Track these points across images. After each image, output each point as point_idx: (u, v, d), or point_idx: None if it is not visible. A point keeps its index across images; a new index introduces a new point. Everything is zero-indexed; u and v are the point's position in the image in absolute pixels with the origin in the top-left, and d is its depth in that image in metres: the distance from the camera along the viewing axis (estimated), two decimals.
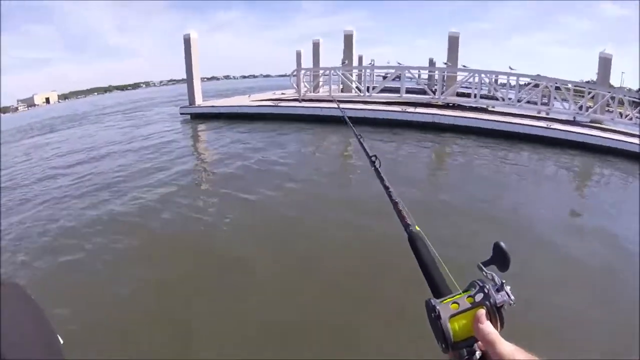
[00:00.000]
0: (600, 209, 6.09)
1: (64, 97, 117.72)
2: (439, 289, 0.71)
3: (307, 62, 21.14)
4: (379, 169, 1.13)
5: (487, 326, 0.60)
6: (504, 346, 0.58)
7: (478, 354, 0.62)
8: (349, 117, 2.07)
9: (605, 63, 13.89)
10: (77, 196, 6.30)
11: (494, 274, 0.64)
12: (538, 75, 14.23)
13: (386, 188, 1.03)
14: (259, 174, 7.18)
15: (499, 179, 7.59)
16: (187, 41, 15.40)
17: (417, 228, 0.87)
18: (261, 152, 8.80)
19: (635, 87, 38.63)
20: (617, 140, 10.00)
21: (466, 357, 0.63)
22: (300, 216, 5.21)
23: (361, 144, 1.41)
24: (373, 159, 1.18)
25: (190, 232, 4.81)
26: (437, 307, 0.63)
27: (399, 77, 14.72)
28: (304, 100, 14.80)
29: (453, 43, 15.72)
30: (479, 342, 0.62)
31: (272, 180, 6.71)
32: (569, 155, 9.43)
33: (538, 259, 3.99)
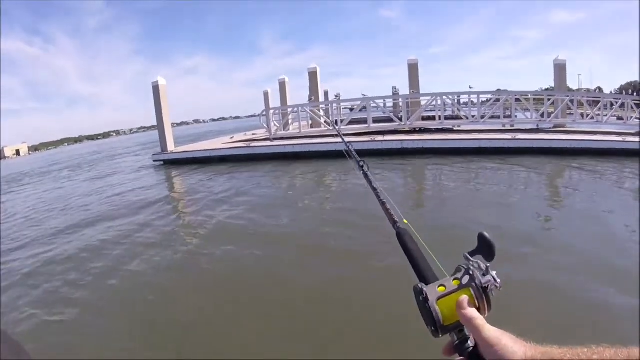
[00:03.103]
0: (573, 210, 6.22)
1: (34, 148, 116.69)
2: (426, 279, 0.70)
3: (275, 100, 21.48)
4: (367, 172, 1.17)
5: (470, 311, 0.60)
6: (490, 331, 0.57)
7: (471, 342, 0.61)
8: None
9: (560, 69, 14.54)
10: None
11: (479, 261, 0.65)
12: (498, 90, 14.80)
13: (374, 189, 1.06)
14: (240, 219, 7.08)
15: (474, 193, 7.69)
16: (155, 88, 15.49)
17: (405, 222, 0.89)
18: (241, 196, 8.74)
19: (592, 87, 40.33)
20: (579, 140, 10.33)
21: (457, 342, 0.63)
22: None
23: (350, 151, 1.47)
24: (361, 163, 1.22)
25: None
26: (425, 290, 0.64)
27: (365, 108, 15.02)
28: (275, 139, 14.92)
29: (413, 70, 16.24)
30: None
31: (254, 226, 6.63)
32: (536, 161, 9.65)
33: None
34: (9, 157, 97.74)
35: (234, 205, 7.83)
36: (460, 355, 0.62)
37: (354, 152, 1.39)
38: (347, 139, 1.66)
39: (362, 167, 1.21)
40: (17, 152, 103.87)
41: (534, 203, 6.69)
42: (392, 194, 7.68)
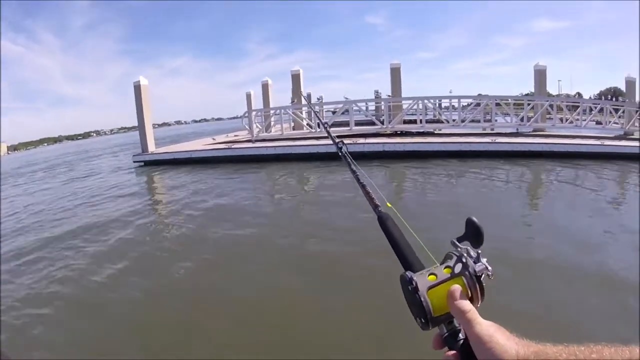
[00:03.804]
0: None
1: (13, 148, 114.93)
2: (412, 266, 0.66)
3: (257, 103, 21.40)
4: (345, 154, 1.09)
5: (463, 303, 0.56)
6: (482, 326, 0.53)
7: (462, 334, 0.58)
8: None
9: (540, 74, 14.84)
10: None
11: (468, 248, 0.61)
12: (479, 94, 14.96)
13: (353, 172, 1.01)
14: (218, 220, 6.95)
15: (455, 194, 7.73)
16: (137, 88, 15.28)
17: (389, 205, 0.84)
18: (221, 197, 8.62)
19: (572, 93, 41.26)
20: (557, 143, 10.49)
21: (446, 334, 0.60)
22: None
23: (328, 133, 1.35)
24: (340, 144, 1.14)
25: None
26: (414, 279, 0.60)
27: (347, 111, 15.02)
28: (257, 140, 14.80)
29: (395, 74, 16.31)
30: None
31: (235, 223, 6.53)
32: (516, 164, 9.78)
33: None
34: None
35: (208, 208, 7.72)
36: (450, 349, 0.59)
37: (331, 136, 1.27)
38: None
39: (341, 148, 1.13)
40: None
41: (513, 205, 6.74)
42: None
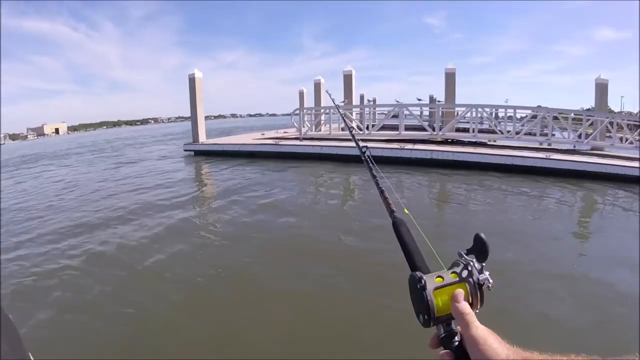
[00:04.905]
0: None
1: (73, 129, 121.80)
2: (419, 269, 0.72)
3: (309, 101, 21.60)
4: (367, 158, 1.16)
5: (464, 306, 0.62)
6: (478, 329, 0.60)
7: (457, 336, 0.64)
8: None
9: (601, 89, 14.03)
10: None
11: (473, 260, 0.66)
12: (539, 106, 14.36)
13: (374, 176, 1.06)
14: (260, 212, 7.25)
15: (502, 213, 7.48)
16: (191, 80, 16.06)
17: (406, 211, 0.91)
18: (264, 189, 9.06)
19: (635, 110, 38.53)
20: (615, 165, 9.93)
21: (443, 335, 0.65)
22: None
23: (353, 136, 1.47)
24: (364, 149, 1.21)
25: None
26: (424, 278, 0.66)
27: (398, 115, 14.90)
28: (304, 138, 15.03)
29: (450, 79, 16.04)
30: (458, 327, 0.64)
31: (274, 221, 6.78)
32: (568, 184, 9.30)
33: None
34: (47, 134, 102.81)
35: (247, 202, 8.04)
36: (445, 349, 0.64)
37: (355, 140, 1.36)
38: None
39: (364, 152, 1.19)
40: (57, 131, 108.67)
41: (557, 230, 6.44)
42: (421, 207, 7.63)
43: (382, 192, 0.99)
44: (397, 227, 0.83)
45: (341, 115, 2.44)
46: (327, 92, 2.01)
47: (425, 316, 0.64)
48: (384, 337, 3.27)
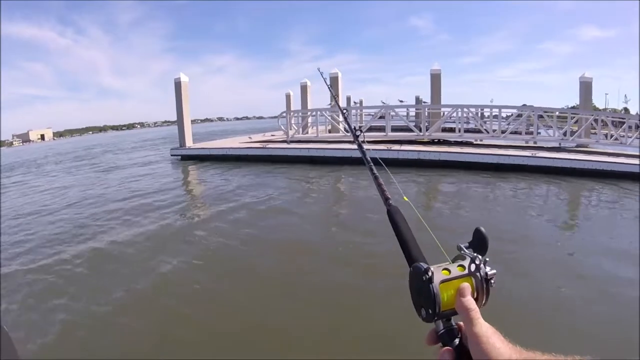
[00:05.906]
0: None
1: (58, 134, 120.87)
2: (416, 260, 0.68)
3: (296, 104, 21.57)
4: (361, 143, 1.13)
5: (470, 301, 0.59)
6: (482, 327, 0.56)
7: (458, 334, 0.61)
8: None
9: (586, 87, 14.20)
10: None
11: (477, 255, 0.63)
12: (524, 105, 14.47)
13: (367, 162, 1.03)
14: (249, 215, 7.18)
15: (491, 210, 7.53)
16: (177, 84, 15.91)
17: (405, 199, 0.88)
18: (250, 192, 8.94)
19: (619, 108, 39.25)
20: (601, 162, 10.04)
21: (442, 331, 0.61)
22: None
23: (345, 118, 1.46)
24: (357, 133, 1.18)
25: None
26: (431, 270, 0.61)
27: (384, 116, 14.90)
28: (292, 141, 14.95)
29: (435, 80, 16.08)
30: (459, 323, 0.61)
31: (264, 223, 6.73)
32: (555, 181, 9.39)
33: None
34: (33, 140, 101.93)
35: (235, 206, 7.94)
36: (444, 345, 0.61)
37: (349, 125, 1.33)
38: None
39: (358, 136, 1.16)
40: (42, 137, 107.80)
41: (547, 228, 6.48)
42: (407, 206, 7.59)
43: (376, 178, 0.95)
44: (392, 215, 0.79)
45: (343, 115, 2.38)
46: (329, 87, 1.96)
47: (430, 310, 0.60)
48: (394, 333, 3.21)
